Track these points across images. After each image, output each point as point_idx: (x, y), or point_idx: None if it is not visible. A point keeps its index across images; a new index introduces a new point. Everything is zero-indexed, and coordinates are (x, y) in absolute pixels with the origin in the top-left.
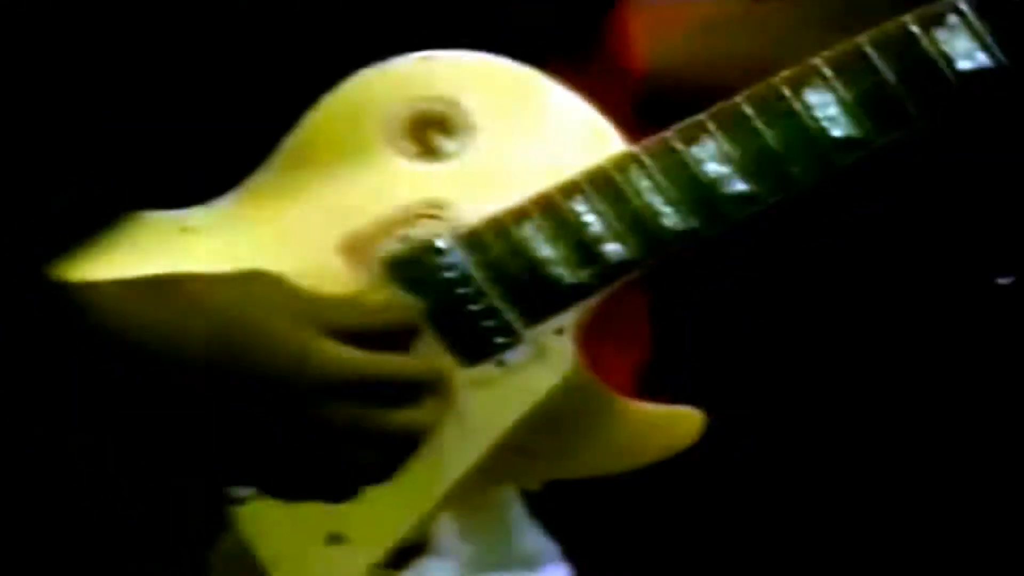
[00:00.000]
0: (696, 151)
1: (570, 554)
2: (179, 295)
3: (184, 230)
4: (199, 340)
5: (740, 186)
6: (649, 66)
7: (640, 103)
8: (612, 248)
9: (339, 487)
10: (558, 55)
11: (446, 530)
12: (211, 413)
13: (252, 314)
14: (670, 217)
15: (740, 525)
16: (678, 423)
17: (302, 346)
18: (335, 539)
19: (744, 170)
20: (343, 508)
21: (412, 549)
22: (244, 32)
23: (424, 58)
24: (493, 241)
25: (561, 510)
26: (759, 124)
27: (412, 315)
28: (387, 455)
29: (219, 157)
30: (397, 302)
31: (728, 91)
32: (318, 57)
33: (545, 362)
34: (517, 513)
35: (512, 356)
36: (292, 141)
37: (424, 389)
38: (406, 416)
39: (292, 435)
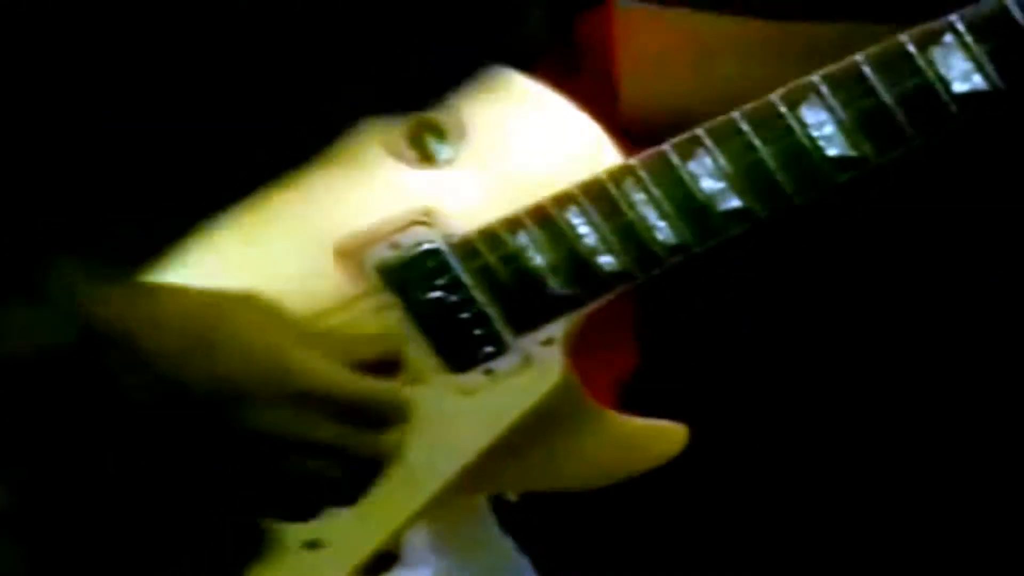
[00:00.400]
0: (692, 166)
1: (542, 569)
2: (153, 303)
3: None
4: (174, 350)
5: (735, 202)
6: (628, 88)
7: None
8: (605, 260)
9: (301, 506)
10: (543, 63)
11: (420, 541)
12: (176, 427)
13: (230, 327)
14: (664, 231)
15: (718, 542)
16: (661, 437)
17: (276, 359)
18: (312, 545)
19: (739, 186)
20: (321, 516)
21: (386, 558)
22: (246, 36)
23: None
24: (485, 249)
25: (533, 525)
26: (755, 140)
27: (397, 347)
28: (352, 477)
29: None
30: (385, 335)
31: (707, 115)
32: (310, 61)
33: (532, 372)
34: (490, 526)
35: (500, 365)
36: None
37: (392, 416)
38: (373, 440)
39: (255, 450)
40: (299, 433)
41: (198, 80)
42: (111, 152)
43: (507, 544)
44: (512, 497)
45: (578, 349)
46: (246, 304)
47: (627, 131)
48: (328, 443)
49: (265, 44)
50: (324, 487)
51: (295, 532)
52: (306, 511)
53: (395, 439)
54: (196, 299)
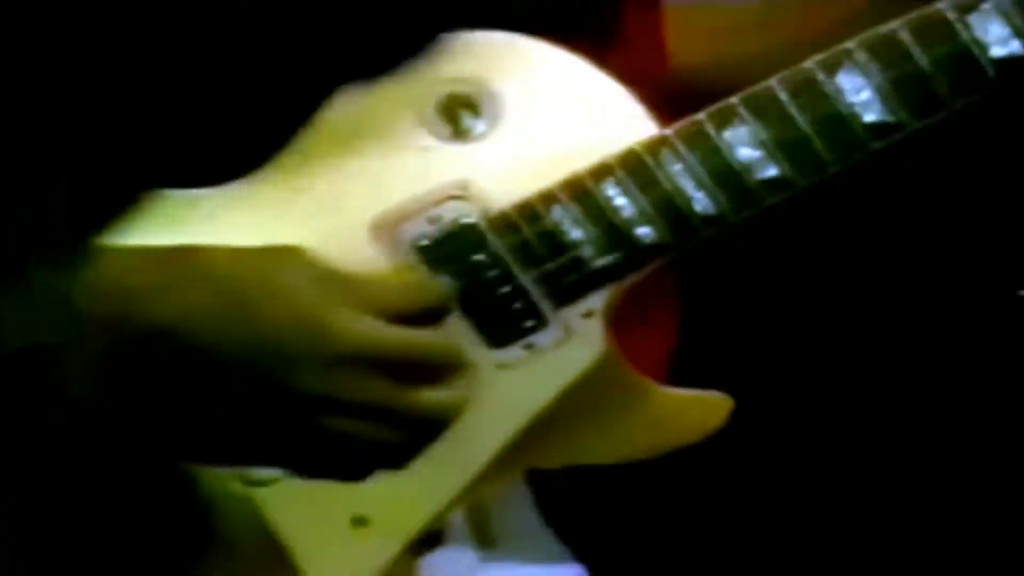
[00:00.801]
0: (728, 135)
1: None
2: (191, 264)
3: (210, 206)
4: (210, 310)
5: (771, 171)
6: (673, 64)
7: (664, 97)
8: (642, 231)
9: (353, 467)
10: (580, 40)
11: (464, 521)
12: (221, 387)
13: (270, 286)
14: (701, 201)
15: (760, 522)
16: (705, 408)
17: (323, 318)
18: (359, 522)
19: (775, 154)
20: (368, 492)
21: (432, 537)
22: (260, 17)
23: (455, 38)
24: (523, 223)
25: (572, 515)
26: (792, 108)
27: (441, 297)
28: (409, 437)
29: (241, 137)
30: (427, 284)
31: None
32: (340, 36)
33: (573, 345)
34: (531, 513)
35: (540, 339)
36: (322, 117)
37: (449, 370)
38: (433, 398)
39: (307, 411)
40: (347, 394)
41: (222, 62)
42: (135, 132)
43: (549, 533)
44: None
45: (623, 326)
46: (286, 257)
47: (673, 97)
48: (378, 404)
49: (284, 27)
50: (374, 449)
51: (343, 508)
52: (356, 472)
53: (450, 396)
54: (233, 257)
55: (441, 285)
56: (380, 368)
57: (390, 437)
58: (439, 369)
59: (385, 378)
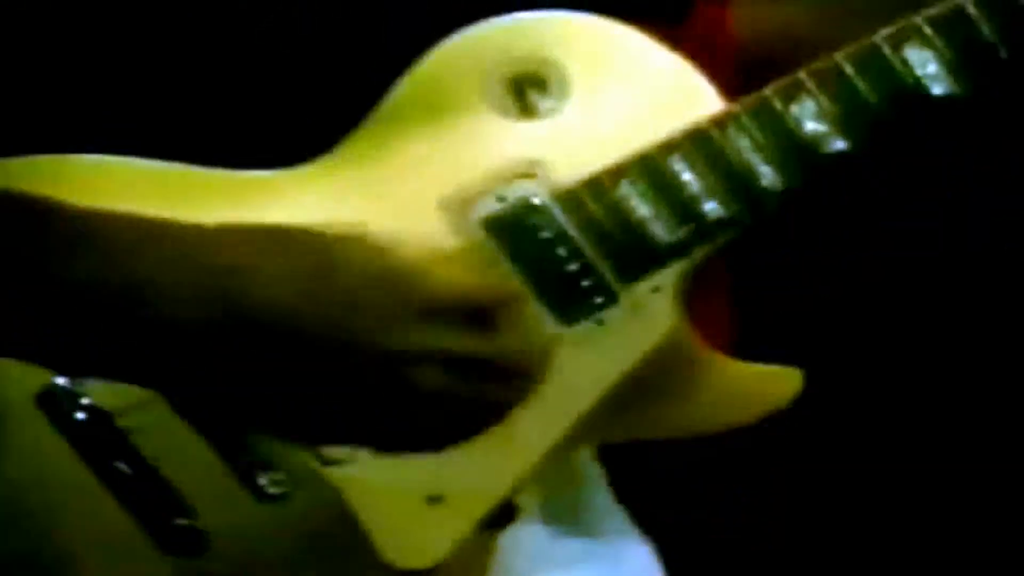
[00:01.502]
0: (795, 109)
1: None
2: (282, 242)
3: (281, 184)
4: (300, 287)
5: (839, 144)
6: (742, 40)
7: (733, 76)
8: (710, 207)
9: (436, 434)
10: (650, 23)
11: (538, 498)
12: (311, 361)
13: (356, 251)
14: (768, 176)
15: (825, 505)
16: (777, 381)
17: (410, 270)
18: (434, 500)
19: (843, 128)
20: (442, 469)
21: (507, 512)
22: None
23: (522, 17)
24: (590, 200)
25: (645, 494)
26: (858, 82)
27: (509, 293)
28: (499, 394)
29: (311, 119)
30: (495, 281)
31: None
32: (403, 21)
33: (644, 320)
34: (604, 491)
35: (610, 315)
36: (390, 100)
37: (513, 371)
38: (494, 394)
39: (397, 369)
40: (431, 346)
41: (281, 49)
42: (202, 116)
43: (620, 513)
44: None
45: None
46: (359, 234)
47: (742, 72)
48: (464, 354)
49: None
50: (461, 407)
51: (418, 486)
52: (438, 439)
53: (518, 393)
54: (309, 239)
55: (508, 282)
56: (468, 318)
57: (480, 393)
58: (503, 369)
59: (474, 327)
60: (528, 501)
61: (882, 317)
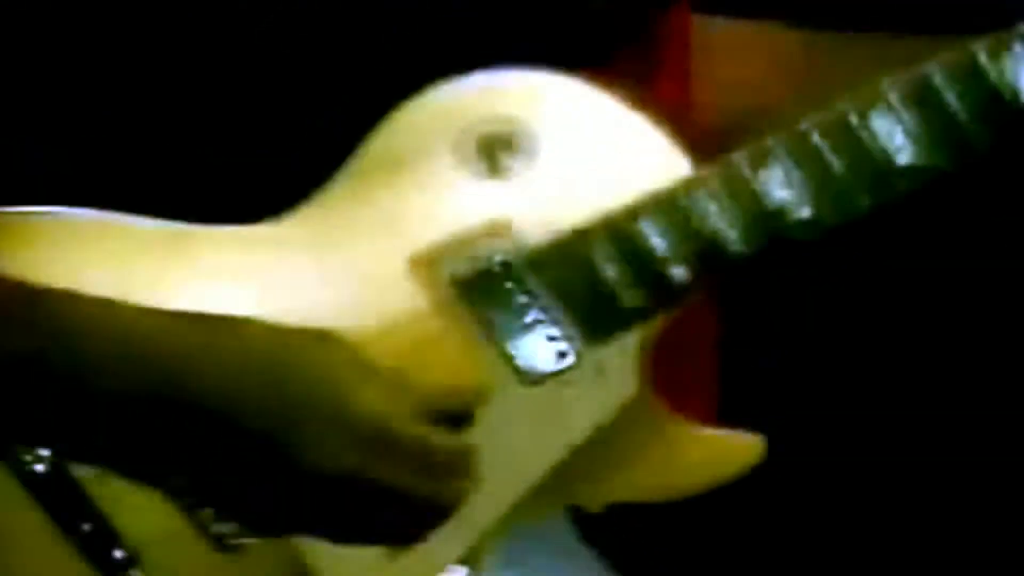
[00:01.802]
0: (763, 176)
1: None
2: (235, 334)
3: (245, 242)
4: (243, 381)
5: (805, 212)
6: (704, 102)
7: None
8: (676, 271)
9: (359, 539)
10: (620, 58)
11: (496, 554)
12: (238, 452)
13: (304, 362)
14: (735, 242)
15: (797, 535)
16: (738, 448)
17: (341, 393)
18: (391, 556)
19: (809, 196)
20: None
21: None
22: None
23: (492, 76)
24: (557, 261)
25: (611, 535)
26: (826, 151)
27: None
28: (412, 520)
29: (281, 175)
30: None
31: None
32: (384, 64)
33: (607, 383)
34: (568, 539)
35: (573, 376)
36: (359, 156)
37: (454, 470)
38: (436, 487)
39: (311, 483)
40: (357, 470)
41: (257, 97)
42: (173, 171)
43: (588, 557)
44: (595, 508)
45: (662, 362)
46: (320, 342)
47: (706, 134)
48: (387, 484)
49: (319, 51)
50: (384, 525)
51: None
52: (366, 542)
53: (458, 489)
54: (273, 333)
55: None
56: (393, 451)
57: (395, 517)
58: (448, 467)
59: (397, 462)
60: (492, 554)
61: (876, 344)
